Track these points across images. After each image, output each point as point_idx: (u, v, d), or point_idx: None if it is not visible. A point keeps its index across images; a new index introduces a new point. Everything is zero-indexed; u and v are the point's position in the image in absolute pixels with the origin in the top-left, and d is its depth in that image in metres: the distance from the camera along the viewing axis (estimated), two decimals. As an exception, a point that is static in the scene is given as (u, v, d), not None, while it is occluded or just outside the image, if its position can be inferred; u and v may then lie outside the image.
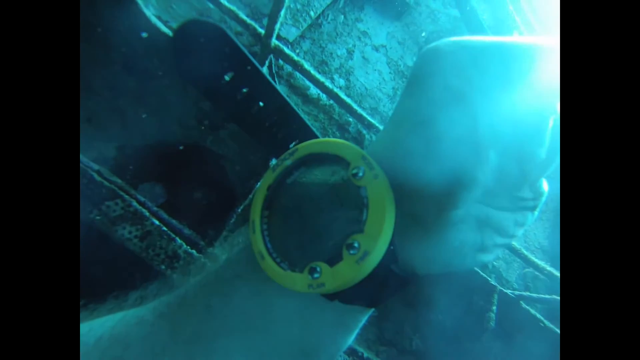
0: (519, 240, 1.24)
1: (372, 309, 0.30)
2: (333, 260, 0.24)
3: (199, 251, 0.71)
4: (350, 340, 0.32)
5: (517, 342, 0.88)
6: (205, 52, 0.27)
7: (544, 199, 0.30)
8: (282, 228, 0.28)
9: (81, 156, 0.71)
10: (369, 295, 0.26)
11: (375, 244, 0.23)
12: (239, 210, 0.82)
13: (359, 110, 0.73)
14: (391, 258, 0.24)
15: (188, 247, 0.70)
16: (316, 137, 0.29)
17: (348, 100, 0.71)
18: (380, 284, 0.25)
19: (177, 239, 0.70)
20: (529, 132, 0.24)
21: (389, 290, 0.25)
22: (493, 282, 0.83)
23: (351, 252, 0.23)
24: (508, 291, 0.86)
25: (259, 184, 0.29)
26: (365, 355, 0.76)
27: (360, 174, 0.24)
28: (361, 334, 0.94)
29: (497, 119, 0.23)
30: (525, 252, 0.73)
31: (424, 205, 0.25)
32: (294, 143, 0.29)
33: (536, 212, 0.30)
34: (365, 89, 1.39)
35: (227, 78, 0.27)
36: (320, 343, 0.30)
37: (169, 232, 0.70)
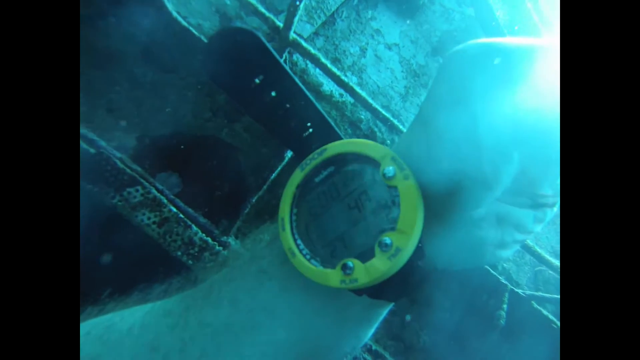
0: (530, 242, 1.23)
1: (392, 304, 0.31)
2: (365, 256, 0.25)
3: (213, 239, 0.73)
4: (371, 333, 0.33)
5: (525, 343, 0.87)
6: (240, 58, 0.28)
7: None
8: (311, 226, 0.29)
9: (105, 144, 0.74)
10: (395, 289, 0.26)
11: (408, 241, 0.24)
12: (253, 200, 0.84)
13: (374, 104, 0.74)
14: (420, 254, 0.25)
15: (203, 234, 0.72)
16: (340, 138, 0.30)
17: (363, 93, 0.72)
18: (406, 278, 0.26)
19: (193, 226, 0.72)
20: (553, 134, 0.25)
21: (413, 285, 0.26)
22: (504, 281, 0.83)
23: (383, 249, 0.24)
24: (519, 291, 0.86)
25: (287, 183, 0.30)
26: (374, 347, 0.77)
27: (391, 175, 0.25)
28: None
29: (521, 121, 0.24)
30: (539, 250, 0.73)
31: (447, 205, 0.26)
32: (316, 144, 0.30)
33: (555, 209, 0.31)
34: (377, 86, 1.40)
35: (257, 81, 0.28)
36: (343, 337, 0.31)
37: (185, 219, 0.71)
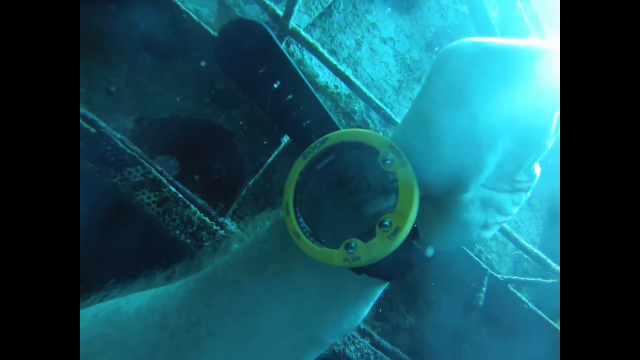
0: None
1: (387, 283, 0.33)
2: (366, 236, 0.27)
3: (210, 219, 0.76)
4: (367, 311, 0.35)
5: (503, 323, 0.93)
6: (248, 49, 0.30)
7: (536, 181, 0.34)
8: (314, 210, 0.31)
9: (105, 125, 0.75)
10: (392, 267, 0.28)
11: (405, 221, 0.26)
12: (250, 183, 0.87)
13: (368, 93, 0.77)
14: (415, 234, 0.27)
15: (201, 214, 0.75)
16: (337, 128, 0.33)
17: (358, 82, 0.75)
18: (402, 257, 0.28)
19: (192, 206, 0.75)
20: (537, 125, 0.27)
21: (409, 263, 0.29)
22: (485, 267, 0.88)
23: (383, 229, 0.26)
24: (498, 275, 0.92)
25: (291, 170, 0.32)
26: (362, 327, 0.81)
27: (389, 162, 0.27)
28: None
29: (508, 112, 0.26)
30: (517, 235, 0.78)
31: (440, 190, 0.28)
32: (316, 133, 0.32)
33: (529, 193, 0.34)
34: (372, 79, 1.42)
35: (260, 72, 0.30)
36: (342, 314, 0.33)
37: (184, 199, 0.74)
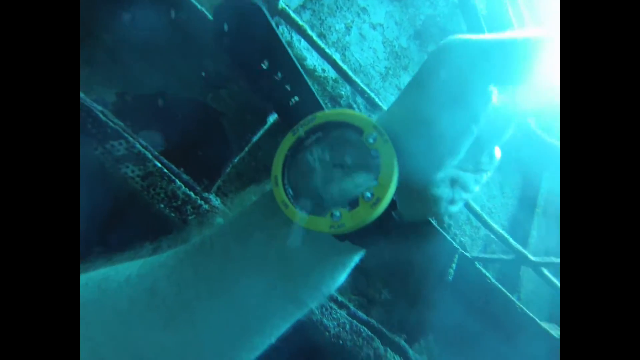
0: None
1: (363, 251, 0.37)
2: (351, 206, 0.30)
3: (195, 194, 0.77)
4: (344, 276, 0.38)
5: (469, 296, 1.01)
6: (240, 26, 0.32)
7: (496, 163, 0.38)
8: (301, 182, 0.33)
9: (84, 96, 0.74)
10: (372, 235, 0.32)
11: (386, 192, 0.29)
12: (235, 161, 0.88)
13: (354, 78, 0.79)
14: (393, 206, 0.31)
15: (186, 189, 0.76)
16: (323, 108, 0.35)
17: (345, 67, 0.77)
18: (382, 225, 0.31)
19: (177, 180, 0.76)
20: (503, 112, 0.31)
21: (387, 231, 0.32)
22: (456, 246, 0.95)
23: (366, 199, 0.29)
24: (467, 254, 0.98)
25: (279, 146, 0.34)
26: (339, 299, 0.86)
27: (372, 140, 0.31)
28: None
29: (491, 103, 0.29)
30: (485, 216, 0.84)
31: (416, 168, 0.32)
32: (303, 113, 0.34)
33: (490, 173, 0.39)
34: (360, 65, 1.44)
35: (253, 53, 0.32)
36: (323, 277, 0.36)
37: (169, 174, 0.75)
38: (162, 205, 0.74)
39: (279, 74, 0.34)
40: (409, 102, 0.33)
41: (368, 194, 0.30)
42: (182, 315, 0.33)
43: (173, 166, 0.77)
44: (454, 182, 0.35)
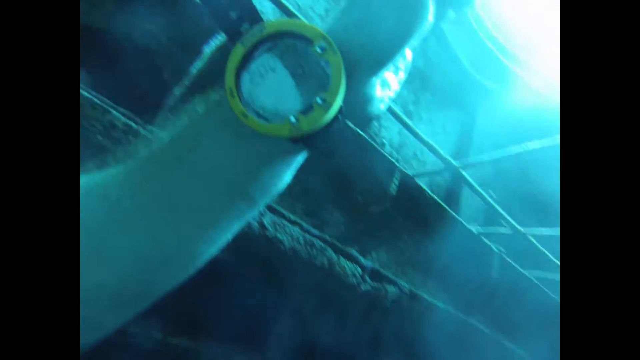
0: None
1: (305, 152, 0.40)
2: (306, 111, 0.33)
3: (137, 124, 0.76)
4: (290, 177, 0.42)
5: (413, 212, 1.13)
6: None
7: (410, 64, 0.45)
8: (255, 92, 0.35)
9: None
10: (324, 136, 0.35)
11: (336, 97, 0.33)
12: (177, 94, 0.87)
13: (291, 8, 0.80)
14: (341, 110, 0.35)
15: (127, 119, 0.74)
16: (263, 20, 0.35)
17: (284, 1, 0.77)
18: (331, 127, 0.35)
19: (113, 111, 0.73)
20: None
21: (335, 133, 0.36)
22: (394, 161, 1.05)
23: (320, 104, 0.33)
24: (407, 171, 1.09)
25: (229, 57, 0.34)
26: (292, 218, 0.93)
27: (320, 50, 0.33)
28: (292, 208, 1.10)
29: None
30: (413, 126, 0.93)
31: (359, 72, 0.35)
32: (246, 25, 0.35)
33: (404, 73, 0.45)
34: (298, 6, 1.43)
35: None
36: (271, 177, 0.39)
37: (102, 104, 0.72)
38: (100, 137, 0.72)
39: None
40: (355, 10, 0.36)
41: (319, 100, 0.33)
42: (138, 214, 0.35)
43: (105, 99, 0.74)
44: (382, 82, 0.41)
